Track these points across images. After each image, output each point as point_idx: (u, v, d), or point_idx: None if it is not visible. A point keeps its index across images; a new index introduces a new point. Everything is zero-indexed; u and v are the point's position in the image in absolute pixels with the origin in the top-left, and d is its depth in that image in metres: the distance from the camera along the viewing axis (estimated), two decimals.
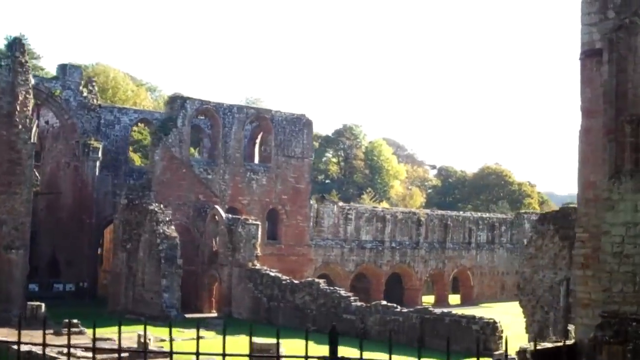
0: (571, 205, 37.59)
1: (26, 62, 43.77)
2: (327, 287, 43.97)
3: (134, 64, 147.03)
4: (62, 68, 51.53)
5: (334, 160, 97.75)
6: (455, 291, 65.76)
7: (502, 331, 36.96)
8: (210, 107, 51.10)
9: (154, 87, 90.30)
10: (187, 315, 44.36)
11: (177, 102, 49.96)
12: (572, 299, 33.77)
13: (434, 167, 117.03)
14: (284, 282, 45.38)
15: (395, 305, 40.85)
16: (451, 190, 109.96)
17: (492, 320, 37.04)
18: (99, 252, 54.79)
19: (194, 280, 48.86)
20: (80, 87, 51.74)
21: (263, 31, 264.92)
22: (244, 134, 52.67)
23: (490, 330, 36.54)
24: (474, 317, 37.76)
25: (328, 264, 55.93)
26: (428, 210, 64.17)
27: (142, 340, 33.12)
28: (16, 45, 43.49)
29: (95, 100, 52.72)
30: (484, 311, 48.40)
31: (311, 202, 55.67)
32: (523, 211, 72.45)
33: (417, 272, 60.50)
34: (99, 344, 34.16)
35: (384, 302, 41.51)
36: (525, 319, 35.52)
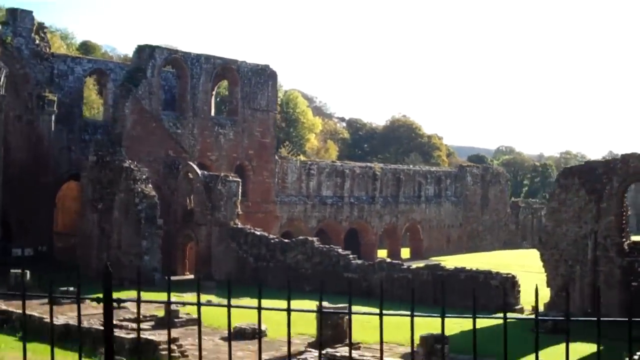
0: (597, 160, 38.28)
1: None
2: (322, 246, 43.16)
3: (41, 8, 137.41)
4: (12, 13, 47.55)
5: None
6: (404, 245, 66.34)
7: (520, 285, 37.44)
8: (178, 57, 48.64)
9: (65, 34, 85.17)
10: (165, 278, 42.58)
11: (145, 51, 47.31)
12: (599, 252, 34.69)
13: (342, 119, 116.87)
14: (272, 241, 44.19)
15: (400, 262, 40.57)
16: (361, 143, 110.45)
17: (510, 275, 37.40)
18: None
19: (166, 241, 46.78)
20: (32, 34, 47.96)
21: None
22: (210, 85, 50.53)
23: (509, 285, 36.86)
24: (490, 272, 38.01)
25: (292, 221, 55.03)
26: (382, 165, 64.13)
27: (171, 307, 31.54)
28: None
29: (48, 49, 49.05)
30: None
31: (276, 157, 54.36)
32: (466, 164, 73.62)
33: (373, 227, 60.55)
34: (123, 314, 32.29)
35: (388, 260, 41.17)
36: (546, 273, 36.07)
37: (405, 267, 39.94)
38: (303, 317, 26.10)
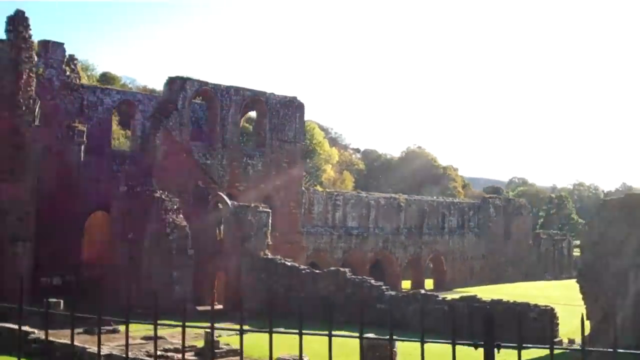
0: (636, 193, 37.75)
1: (30, 37, 39.99)
2: (354, 276, 42.56)
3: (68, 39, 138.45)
4: (44, 45, 47.42)
5: None
6: (426, 276, 65.62)
7: (558, 318, 36.72)
8: (208, 88, 48.42)
9: (86, 66, 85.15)
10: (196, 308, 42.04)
11: (176, 83, 47.09)
12: None
13: (358, 150, 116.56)
14: (303, 271, 43.61)
15: (435, 293, 39.91)
16: (376, 174, 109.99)
17: (549, 308, 36.70)
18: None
19: (195, 271, 46.18)
20: (63, 66, 47.83)
21: None
22: (239, 117, 50.27)
23: (548, 318, 36.15)
24: (528, 304, 37.32)
25: (318, 252, 54.48)
26: (406, 196, 63.63)
27: (209, 338, 30.89)
28: (19, 19, 39.52)
29: (77, 80, 48.90)
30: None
31: (302, 188, 53.93)
32: (488, 196, 73.06)
33: (398, 258, 59.92)
34: (162, 344, 31.71)
35: (422, 291, 40.53)
36: (585, 305, 35.32)
37: (440, 298, 39.23)
38: (344, 349, 25.44)
